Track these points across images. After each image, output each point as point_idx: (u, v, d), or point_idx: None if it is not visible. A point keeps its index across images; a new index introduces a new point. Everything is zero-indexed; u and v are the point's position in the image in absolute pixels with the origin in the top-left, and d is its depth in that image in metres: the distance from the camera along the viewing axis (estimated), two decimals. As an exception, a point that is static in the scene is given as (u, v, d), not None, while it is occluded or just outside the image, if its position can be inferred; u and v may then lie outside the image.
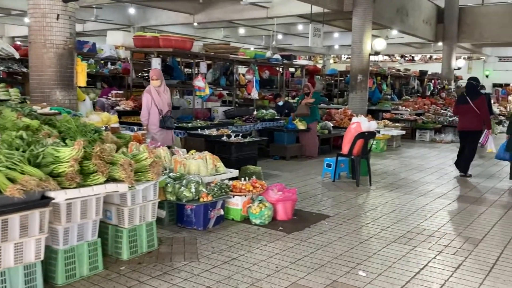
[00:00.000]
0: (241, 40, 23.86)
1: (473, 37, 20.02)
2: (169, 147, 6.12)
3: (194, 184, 4.81)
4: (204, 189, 4.86)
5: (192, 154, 5.68)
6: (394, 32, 18.73)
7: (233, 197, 5.10)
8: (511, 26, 18.61)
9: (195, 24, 19.01)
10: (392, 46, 24.85)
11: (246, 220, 5.09)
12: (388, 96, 16.99)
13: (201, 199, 4.75)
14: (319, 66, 29.36)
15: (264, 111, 9.90)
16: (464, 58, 25.01)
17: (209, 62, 11.38)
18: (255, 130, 10.24)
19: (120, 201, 4.00)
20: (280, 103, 10.90)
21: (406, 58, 33.12)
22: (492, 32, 19.16)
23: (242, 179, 5.33)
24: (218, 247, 4.29)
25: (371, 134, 7.21)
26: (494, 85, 27.82)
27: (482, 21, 19.38)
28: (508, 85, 28.52)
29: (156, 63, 8.80)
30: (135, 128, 7.66)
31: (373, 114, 14.64)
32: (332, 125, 11.20)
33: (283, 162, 9.23)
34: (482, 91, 8.41)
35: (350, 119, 12.66)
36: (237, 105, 11.29)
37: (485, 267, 4.00)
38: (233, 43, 22.55)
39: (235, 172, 5.75)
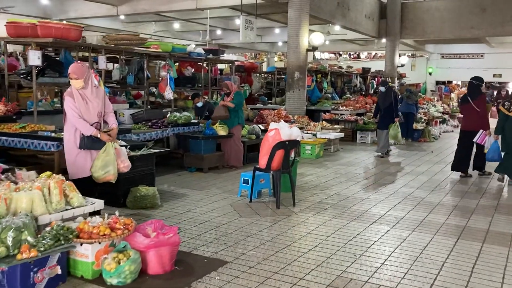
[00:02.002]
0: (177, 35, 22.15)
1: (416, 33, 19.48)
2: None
3: (12, 231, 3.20)
4: (30, 238, 3.27)
5: (38, 179, 4.04)
6: (337, 28, 17.74)
7: (81, 245, 3.53)
8: (452, 22, 18.23)
9: (122, 17, 17.21)
10: (336, 43, 23.98)
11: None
12: (329, 95, 15.89)
13: (18, 256, 3.15)
14: (264, 63, 28.18)
15: (178, 114, 8.31)
16: (408, 56, 24.56)
17: (114, 56, 9.75)
18: (173, 136, 8.70)
19: None
20: (199, 104, 9.38)
21: (352, 56, 32.60)
22: (434, 27, 18.72)
23: (97, 216, 3.76)
24: None
25: (293, 143, 5.83)
26: (437, 82, 27.70)
27: (425, 16, 18.93)
28: (450, 82, 28.53)
29: (34, 56, 7.06)
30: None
31: (313, 114, 13.48)
32: (263, 128, 9.81)
33: (199, 175, 7.72)
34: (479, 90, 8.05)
35: (285, 121, 11.41)
36: (149, 107, 9.64)
37: None
38: (168, 38, 20.86)
39: (98, 204, 4.16)
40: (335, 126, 11.85)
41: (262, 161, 5.80)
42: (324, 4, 14.29)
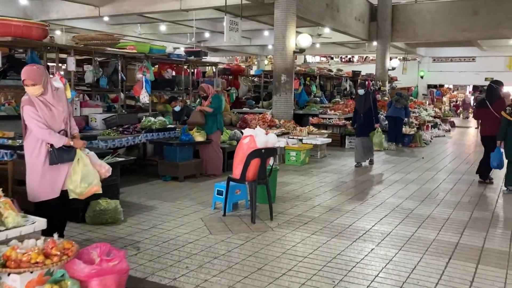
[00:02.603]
0: (164, 38, 21.70)
1: (407, 36, 19.17)
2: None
3: None
4: None
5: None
6: (327, 31, 17.36)
7: (8, 275, 3.00)
8: (444, 24, 17.94)
9: (106, 19, 16.70)
10: (327, 46, 23.63)
11: (35, 312, 3.01)
12: (317, 99, 15.43)
13: None
14: (255, 66, 27.70)
15: (152, 119, 7.79)
16: (399, 59, 24.24)
17: (86, 57, 9.23)
18: (148, 142, 8.18)
19: None
20: (177, 108, 8.86)
21: (343, 59, 32.28)
22: (425, 30, 18.41)
23: (31, 240, 3.23)
24: None
25: (270, 152, 5.34)
26: (429, 86, 27.44)
27: (416, 19, 18.63)
28: (442, 86, 28.25)
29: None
30: None
31: (301, 118, 13.04)
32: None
33: (173, 184, 7.20)
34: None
35: (270, 126, 10.92)
36: (124, 111, 9.11)
37: None
38: (154, 41, 20.36)
39: (40, 223, 3.61)
40: (323, 131, 11.38)
41: (237, 171, 5.30)
42: (312, 5, 13.87)
